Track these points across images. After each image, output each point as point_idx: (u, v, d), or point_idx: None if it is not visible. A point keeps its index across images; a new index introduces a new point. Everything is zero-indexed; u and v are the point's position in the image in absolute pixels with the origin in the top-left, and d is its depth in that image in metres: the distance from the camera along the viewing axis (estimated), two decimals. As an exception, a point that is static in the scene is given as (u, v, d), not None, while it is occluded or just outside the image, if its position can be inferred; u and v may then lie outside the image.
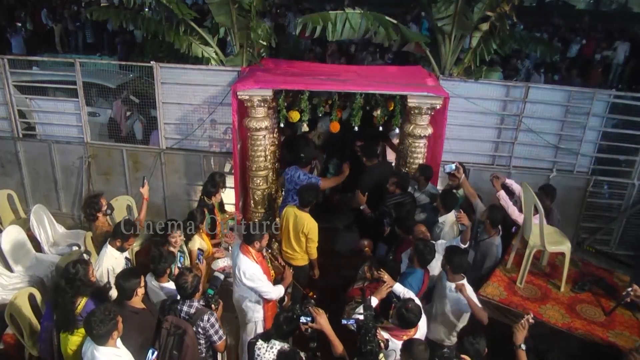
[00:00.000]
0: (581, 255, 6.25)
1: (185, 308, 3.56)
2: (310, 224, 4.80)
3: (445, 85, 5.75)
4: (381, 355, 3.28)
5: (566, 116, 6.01)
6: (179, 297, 3.64)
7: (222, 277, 3.93)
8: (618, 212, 6.42)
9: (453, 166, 5.05)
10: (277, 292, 4.21)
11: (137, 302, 3.55)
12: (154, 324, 3.63)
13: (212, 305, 3.66)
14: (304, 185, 5.09)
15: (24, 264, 5.25)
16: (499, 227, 4.64)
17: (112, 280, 4.01)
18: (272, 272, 4.39)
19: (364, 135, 6.19)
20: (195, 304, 3.59)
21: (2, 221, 6.06)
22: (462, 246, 4.29)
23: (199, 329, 3.51)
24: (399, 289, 3.96)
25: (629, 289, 3.80)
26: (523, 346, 3.18)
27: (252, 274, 4.06)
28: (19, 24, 14.82)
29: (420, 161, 5.42)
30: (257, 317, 4.28)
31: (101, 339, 3.09)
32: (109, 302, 3.40)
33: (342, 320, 3.60)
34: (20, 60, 6.71)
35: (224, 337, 3.63)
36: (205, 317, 3.51)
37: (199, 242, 4.72)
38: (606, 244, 6.57)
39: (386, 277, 3.99)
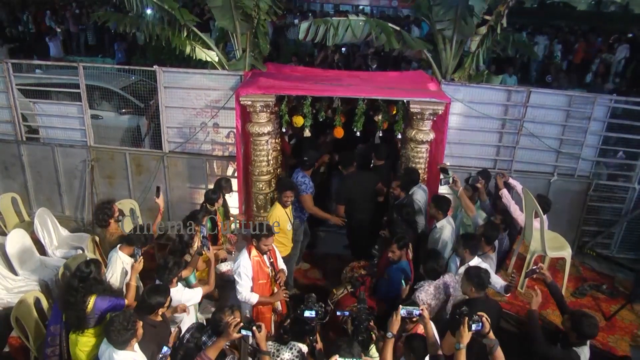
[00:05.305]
0: (582, 259, 6.30)
1: (209, 342, 3.41)
2: (272, 211, 4.99)
3: (447, 89, 5.77)
4: (372, 345, 3.48)
5: (567, 120, 6.03)
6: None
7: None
8: (619, 216, 6.45)
9: (450, 180, 5.06)
10: (247, 295, 4.16)
11: (156, 316, 3.58)
12: (169, 335, 3.67)
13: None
14: (282, 178, 5.25)
15: (28, 267, 5.28)
16: (494, 244, 4.59)
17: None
18: (270, 275, 4.38)
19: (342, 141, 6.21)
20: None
21: (7, 224, 6.10)
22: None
23: None
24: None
25: (535, 267, 3.93)
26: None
27: (237, 265, 4.18)
28: (59, 30, 15.07)
29: (423, 166, 5.44)
30: (247, 313, 4.33)
31: (120, 345, 3.16)
32: (129, 310, 3.44)
33: (337, 312, 3.83)
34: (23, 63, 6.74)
35: None
36: None
37: (197, 241, 4.71)
38: (607, 247, 6.59)
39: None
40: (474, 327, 3.03)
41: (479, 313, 3.11)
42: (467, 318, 3.04)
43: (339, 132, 5.66)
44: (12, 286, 4.99)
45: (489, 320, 3.11)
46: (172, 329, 3.82)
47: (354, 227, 5.78)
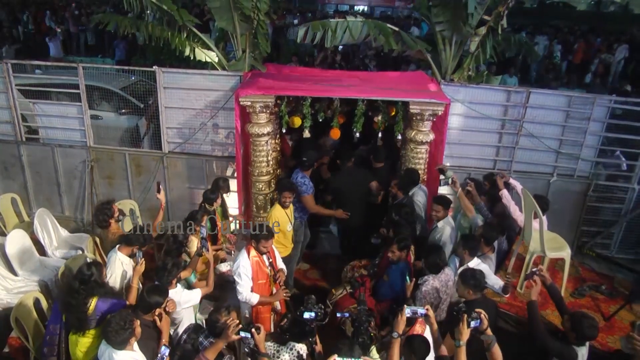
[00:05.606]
0: (581, 259, 6.30)
1: (205, 343, 3.41)
2: (271, 211, 4.99)
3: (446, 90, 5.77)
4: (372, 347, 3.47)
5: (567, 121, 6.04)
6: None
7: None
8: (618, 216, 6.46)
9: (449, 181, 5.06)
10: (247, 295, 4.16)
11: (151, 316, 3.58)
12: (159, 336, 3.64)
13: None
14: (281, 179, 5.21)
15: (28, 268, 5.28)
16: (494, 245, 4.58)
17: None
18: (270, 275, 4.39)
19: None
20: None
21: (6, 225, 6.10)
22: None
23: None
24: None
25: (535, 269, 3.93)
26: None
27: (237, 266, 4.19)
28: (59, 30, 15.17)
29: (422, 167, 5.45)
30: (246, 313, 4.35)
31: (119, 345, 3.16)
32: (125, 310, 3.44)
33: (337, 313, 3.83)
34: (23, 64, 6.74)
35: None
36: None
37: (196, 242, 4.73)
38: (606, 247, 6.60)
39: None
40: (472, 323, 3.05)
41: (477, 310, 3.13)
42: (465, 315, 3.06)
43: (335, 134, 5.66)
44: (12, 287, 4.99)
45: (487, 316, 3.12)
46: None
47: (343, 225, 5.78)
